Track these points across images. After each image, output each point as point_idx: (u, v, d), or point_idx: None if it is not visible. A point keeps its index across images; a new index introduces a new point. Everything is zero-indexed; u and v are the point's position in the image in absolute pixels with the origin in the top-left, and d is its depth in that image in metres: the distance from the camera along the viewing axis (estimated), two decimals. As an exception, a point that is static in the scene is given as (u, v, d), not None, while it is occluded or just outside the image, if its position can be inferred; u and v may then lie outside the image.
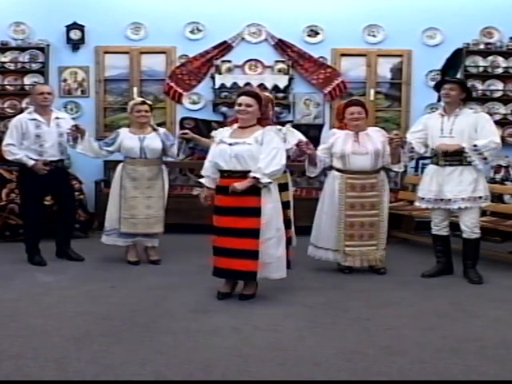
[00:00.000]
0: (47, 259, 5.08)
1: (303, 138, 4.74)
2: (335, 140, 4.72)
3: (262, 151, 3.94)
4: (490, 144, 4.39)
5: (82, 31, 6.67)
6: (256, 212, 3.95)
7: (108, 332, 3.43)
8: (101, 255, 5.36)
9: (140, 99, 5.15)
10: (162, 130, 5.17)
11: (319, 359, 3.08)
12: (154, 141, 4.95)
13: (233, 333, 3.46)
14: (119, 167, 5.08)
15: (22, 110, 6.65)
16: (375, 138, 4.67)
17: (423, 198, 4.65)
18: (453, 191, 4.48)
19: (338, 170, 4.72)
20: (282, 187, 4.76)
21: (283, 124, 5.03)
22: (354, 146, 4.63)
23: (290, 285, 4.42)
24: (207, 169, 4.14)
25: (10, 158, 4.97)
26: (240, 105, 3.99)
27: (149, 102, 5.11)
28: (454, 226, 4.81)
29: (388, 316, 3.79)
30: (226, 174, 4.01)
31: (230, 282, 4.13)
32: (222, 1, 6.66)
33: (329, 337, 3.41)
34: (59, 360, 3.02)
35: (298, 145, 4.55)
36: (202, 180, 4.19)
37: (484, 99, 6.62)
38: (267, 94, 4.90)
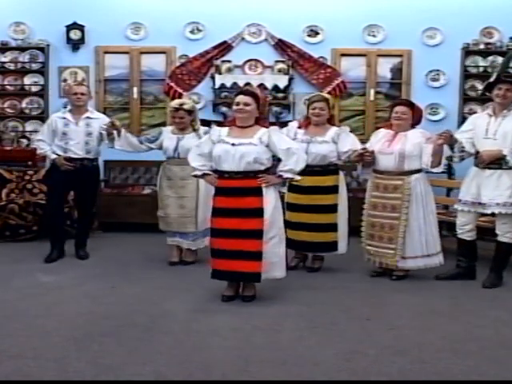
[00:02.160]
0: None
1: (359, 144, 4.70)
2: (374, 139, 4.70)
3: (279, 151, 3.95)
4: None
5: (82, 31, 6.67)
6: (259, 213, 3.91)
7: (108, 332, 3.43)
8: (101, 255, 5.36)
9: (175, 104, 5.02)
10: (203, 129, 5.04)
11: (319, 359, 3.08)
12: (190, 140, 4.84)
13: (233, 333, 3.46)
14: (161, 167, 5.12)
15: (21, 110, 6.71)
16: (409, 139, 4.52)
17: (460, 200, 4.53)
18: (489, 195, 4.34)
19: (373, 170, 4.68)
20: (331, 189, 4.73)
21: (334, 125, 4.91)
22: (383, 146, 4.56)
23: (290, 285, 4.42)
24: (198, 159, 4.08)
25: (38, 152, 5.32)
26: (238, 104, 3.95)
27: (185, 107, 4.97)
28: (482, 231, 4.73)
29: (388, 316, 3.79)
30: (226, 174, 3.94)
31: (233, 284, 4.09)
32: (222, 1, 6.66)
33: (329, 337, 3.41)
34: (59, 360, 3.02)
35: (362, 154, 4.55)
36: (201, 168, 4.07)
37: (484, 99, 6.61)
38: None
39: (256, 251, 3.91)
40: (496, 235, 4.48)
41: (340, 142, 4.68)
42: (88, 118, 5.10)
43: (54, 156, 5.04)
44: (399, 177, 4.53)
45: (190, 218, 4.98)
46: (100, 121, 5.13)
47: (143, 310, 3.85)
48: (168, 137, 5.00)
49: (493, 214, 4.46)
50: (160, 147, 5.04)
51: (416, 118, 4.65)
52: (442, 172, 4.89)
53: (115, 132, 4.92)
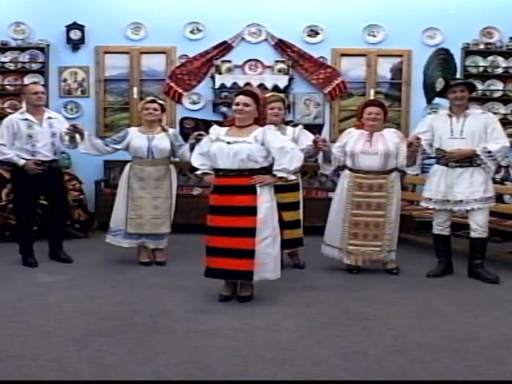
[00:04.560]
0: (45, 260, 5.09)
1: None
2: (349, 139, 4.75)
3: (273, 150, 3.96)
4: (503, 149, 4.45)
5: (82, 31, 6.67)
6: (252, 211, 3.93)
7: (108, 332, 3.44)
8: (101, 255, 5.37)
9: (150, 98, 5.16)
10: (171, 130, 5.16)
11: (319, 359, 3.08)
12: (162, 141, 4.91)
13: (233, 333, 3.46)
14: (127, 167, 5.05)
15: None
16: (388, 139, 4.65)
17: (430, 199, 4.63)
18: (464, 192, 4.48)
19: (349, 169, 4.75)
20: (293, 187, 4.81)
21: (292, 125, 5.05)
22: (365, 146, 4.64)
23: (289, 285, 4.42)
24: (199, 158, 4.16)
25: (0, 157, 4.93)
26: (238, 104, 3.96)
27: (160, 102, 5.08)
28: (455, 226, 4.81)
29: (388, 316, 3.79)
30: (221, 172, 3.98)
31: (230, 284, 4.10)
32: (222, 1, 6.66)
33: (329, 337, 3.41)
34: (59, 360, 3.02)
35: (315, 141, 4.63)
36: (201, 167, 4.15)
37: (484, 99, 6.62)
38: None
39: (248, 249, 3.91)
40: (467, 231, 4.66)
41: (299, 140, 4.78)
42: (50, 118, 4.99)
43: (22, 161, 4.83)
44: (383, 176, 4.67)
45: (163, 219, 4.99)
46: (60, 120, 5.06)
47: (143, 309, 3.85)
48: (136, 136, 4.95)
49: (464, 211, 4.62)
50: (126, 148, 5.00)
51: (386, 116, 4.81)
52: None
53: (77, 135, 4.87)
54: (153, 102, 5.00)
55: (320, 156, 4.79)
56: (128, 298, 4.10)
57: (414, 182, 5.90)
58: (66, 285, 4.44)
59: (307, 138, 4.80)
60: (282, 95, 5.06)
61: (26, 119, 4.89)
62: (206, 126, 6.61)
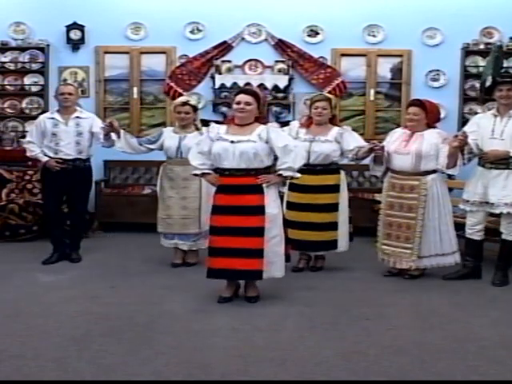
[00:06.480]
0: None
1: (363, 141, 4.73)
2: (390, 138, 4.69)
3: (276, 148, 3.92)
4: None
5: (82, 31, 6.67)
6: (260, 210, 3.92)
7: (108, 332, 3.44)
8: (101, 255, 5.37)
9: (182, 100, 5.04)
10: (205, 129, 5.04)
11: (319, 359, 3.08)
12: (192, 140, 4.74)
13: (233, 333, 3.46)
14: (161, 168, 5.06)
15: (21, 110, 6.71)
16: (426, 140, 4.50)
17: (468, 201, 4.53)
18: (497, 195, 4.36)
19: (390, 170, 4.68)
20: (332, 188, 4.75)
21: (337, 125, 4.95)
22: (400, 146, 4.55)
23: (290, 285, 4.42)
24: (199, 157, 4.06)
25: (28, 154, 5.14)
26: (239, 103, 3.94)
27: (192, 103, 5.01)
28: (490, 232, 4.72)
29: (388, 316, 3.79)
30: (227, 172, 3.94)
31: (232, 285, 4.08)
32: (222, 1, 6.66)
33: (329, 337, 3.41)
34: (59, 360, 3.03)
35: (372, 148, 4.53)
36: (200, 167, 4.05)
37: (484, 99, 6.60)
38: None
39: (257, 249, 3.91)
40: (500, 234, 4.51)
41: (344, 141, 4.72)
42: (77, 117, 5.04)
43: (45, 158, 4.98)
44: (416, 177, 4.53)
45: (192, 219, 4.94)
46: (90, 120, 5.10)
47: (143, 310, 3.85)
48: (169, 136, 4.94)
49: (498, 214, 4.48)
50: (161, 148, 4.99)
51: (431, 117, 4.61)
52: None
53: (114, 133, 4.86)
54: (184, 104, 4.92)
55: (370, 158, 4.68)
56: (128, 298, 4.10)
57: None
58: (66, 285, 4.44)
59: (354, 140, 4.71)
60: (329, 95, 4.98)
61: (53, 118, 5.03)
62: (206, 126, 6.61)
